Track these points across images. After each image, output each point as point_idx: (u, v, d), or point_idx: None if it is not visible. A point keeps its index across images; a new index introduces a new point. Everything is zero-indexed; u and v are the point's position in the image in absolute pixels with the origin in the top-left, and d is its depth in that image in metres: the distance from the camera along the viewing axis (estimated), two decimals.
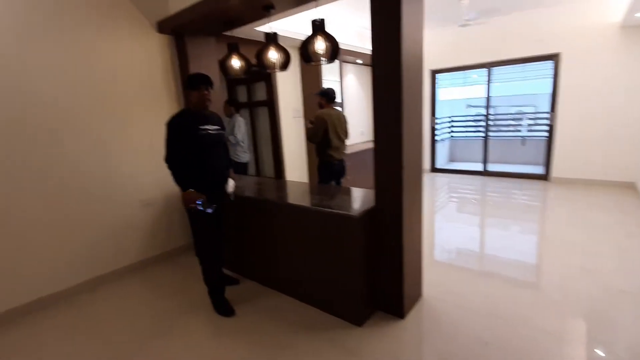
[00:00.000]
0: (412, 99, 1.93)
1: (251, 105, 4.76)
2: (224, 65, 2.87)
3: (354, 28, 4.91)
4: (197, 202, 2.06)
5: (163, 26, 3.04)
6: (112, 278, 2.92)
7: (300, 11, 3.04)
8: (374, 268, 2.13)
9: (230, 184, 2.41)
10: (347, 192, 2.51)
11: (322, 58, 2.25)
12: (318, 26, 2.19)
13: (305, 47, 2.20)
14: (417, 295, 2.31)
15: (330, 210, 2.04)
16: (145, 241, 3.15)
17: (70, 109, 2.61)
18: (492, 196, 5.09)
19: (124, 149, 2.94)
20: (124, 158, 2.94)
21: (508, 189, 5.25)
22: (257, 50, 2.57)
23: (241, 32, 3.49)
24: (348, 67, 5.63)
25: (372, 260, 2.11)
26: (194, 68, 3.18)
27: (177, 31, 3.07)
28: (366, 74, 6.15)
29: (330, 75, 4.69)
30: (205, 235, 2.25)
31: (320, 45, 2.20)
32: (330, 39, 2.22)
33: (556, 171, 5.30)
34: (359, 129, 5.97)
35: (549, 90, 5.22)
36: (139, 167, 3.05)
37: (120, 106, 2.90)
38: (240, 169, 4.28)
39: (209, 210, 2.10)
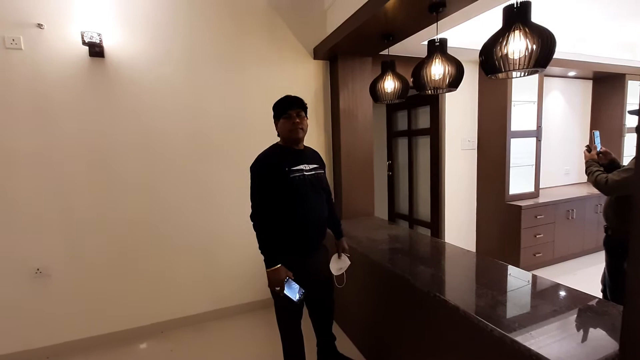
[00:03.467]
0: None
1: (410, 134, 4.08)
2: (374, 88, 2.36)
3: (566, 26, 3.49)
4: (284, 280, 1.55)
5: (318, 51, 2.84)
6: (234, 312, 2.84)
7: (483, 10, 2.19)
8: None
9: (337, 263, 1.81)
10: (560, 301, 1.45)
11: (518, 66, 1.37)
12: (516, 13, 1.33)
13: (491, 50, 1.38)
14: None
15: (519, 343, 1.11)
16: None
17: (228, 136, 2.70)
18: None
19: None
20: None
21: None
22: (415, 65, 1.91)
23: (403, 49, 2.92)
24: (552, 82, 4.13)
25: None
26: (343, 94, 2.83)
27: (331, 54, 2.81)
28: (581, 90, 4.40)
29: (523, 94, 3.46)
30: (287, 315, 1.72)
31: (517, 44, 1.33)
32: (537, 34, 1.32)
33: None
34: (564, 167, 4.27)
35: None
36: None
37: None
38: None
39: (296, 298, 1.54)
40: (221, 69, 2.62)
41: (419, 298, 1.62)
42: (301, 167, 1.64)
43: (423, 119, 3.86)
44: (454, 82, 1.85)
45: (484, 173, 3.72)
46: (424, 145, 3.87)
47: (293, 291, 1.54)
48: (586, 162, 2.06)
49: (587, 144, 2.17)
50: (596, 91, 4.48)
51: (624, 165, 1.94)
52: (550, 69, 3.76)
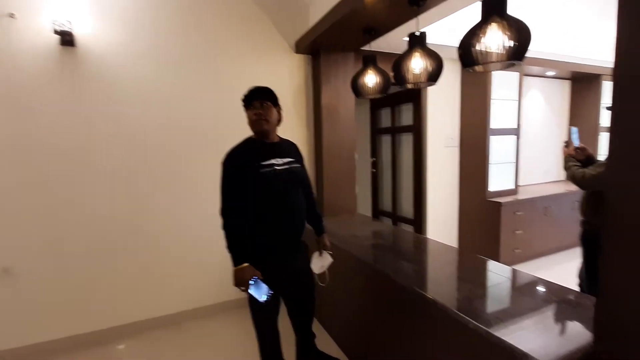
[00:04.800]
0: None
1: (394, 132, 4.09)
2: (355, 83, 2.34)
3: (544, 25, 3.56)
4: (250, 281, 1.47)
5: (300, 45, 2.80)
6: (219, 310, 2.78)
7: (463, 6, 2.20)
8: None
9: (319, 261, 1.77)
10: (535, 291, 1.46)
11: (496, 59, 1.36)
12: (493, 6, 1.33)
13: (468, 43, 1.37)
14: None
15: (494, 335, 1.10)
16: None
17: (208, 131, 2.63)
18: None
19: None
20: None
21: None
22: (395, 59, 1.90)
23: (385, 45, 2.91)
24: (531, 81, 4.21)
25: None
26: (326, 89, 2.80)
27: (313, 48, 2.77)
28: (560, 90, 4.51)
29: (503, 92, 3.51)
30: (261, 313, 1.63)
31: (493, 36, 1.33)
32: (514, 26, 1.32)
33: None
34: (543, 165, 4.36)
35: None
36: None
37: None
38: None
39: (262, 298, 1.47)
40: (199, 61, 2.55)
41: (400, 294, 1.61)
42: (272, 161, 1.56)
43: (406, 116, 3.87)
44: (434, 75, 1.84)
45: (466, 170, 3.76)
46: (407, 142, 3.89)
47: (259, 291, 1.47)
48: (564, 158, 2.10)
49: (566, 140, 2.20)
50: (574, 91, 4.59)
51: (600, 161, 1.98)
52: (529, 68, 3.83)
